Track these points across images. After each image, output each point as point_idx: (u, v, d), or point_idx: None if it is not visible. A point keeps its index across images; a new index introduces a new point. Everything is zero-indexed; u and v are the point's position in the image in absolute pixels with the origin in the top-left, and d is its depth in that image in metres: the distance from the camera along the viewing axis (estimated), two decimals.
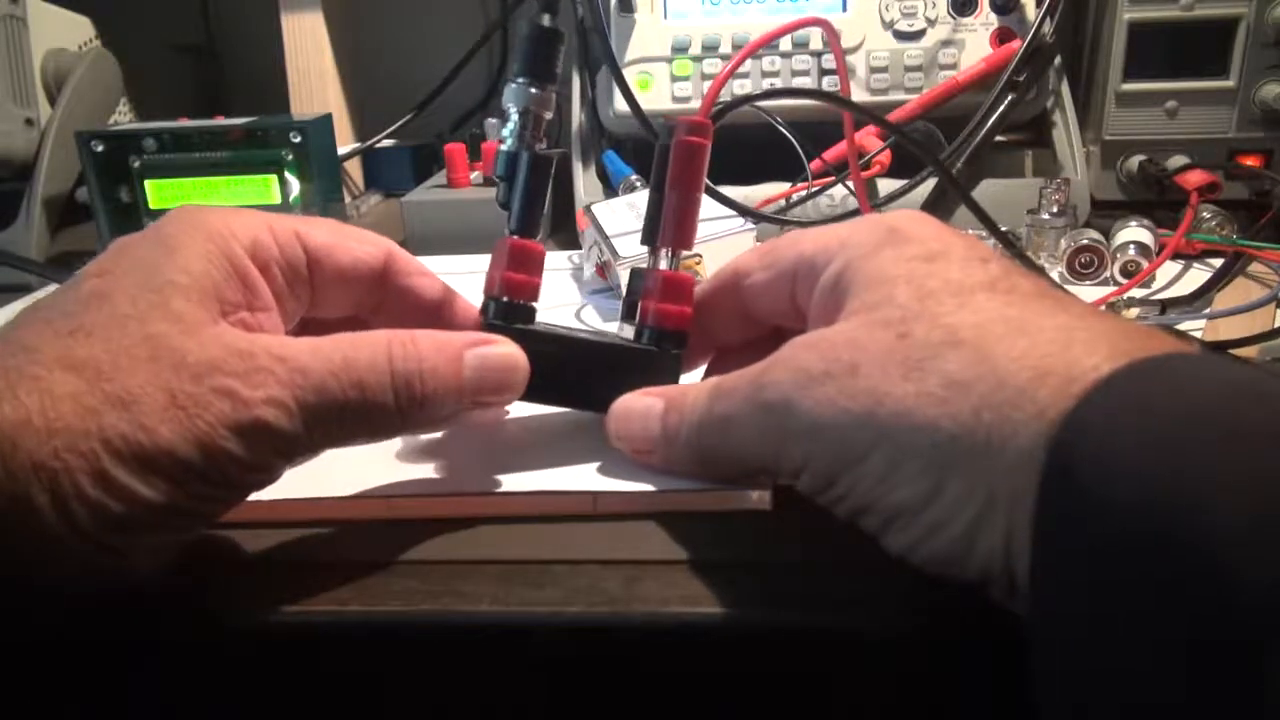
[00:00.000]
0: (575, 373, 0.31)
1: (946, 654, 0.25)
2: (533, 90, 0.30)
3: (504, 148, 0.31)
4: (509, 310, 0.30)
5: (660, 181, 0.32)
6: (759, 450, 0.26)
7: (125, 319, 0.24)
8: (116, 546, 0.23)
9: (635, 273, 0.32)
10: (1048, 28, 0.57)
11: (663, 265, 0.31)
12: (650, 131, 0.42)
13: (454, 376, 0.27)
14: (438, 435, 0.33)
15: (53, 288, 0.27)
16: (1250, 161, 0.59)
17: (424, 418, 0.27)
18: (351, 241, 0.30)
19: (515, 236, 0.31)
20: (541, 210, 0.31)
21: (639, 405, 0.29)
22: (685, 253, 0.32)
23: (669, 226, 0.31)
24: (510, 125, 0.31)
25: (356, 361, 0.25)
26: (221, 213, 0.27)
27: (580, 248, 0.54)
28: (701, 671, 0.26)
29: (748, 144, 0.48)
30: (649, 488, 0.29)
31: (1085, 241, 0.51)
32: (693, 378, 0.32)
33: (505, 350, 0.28)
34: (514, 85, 0.30)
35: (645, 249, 0.32)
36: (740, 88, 0.62)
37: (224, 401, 0.23)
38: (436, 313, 0.31)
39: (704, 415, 0.28)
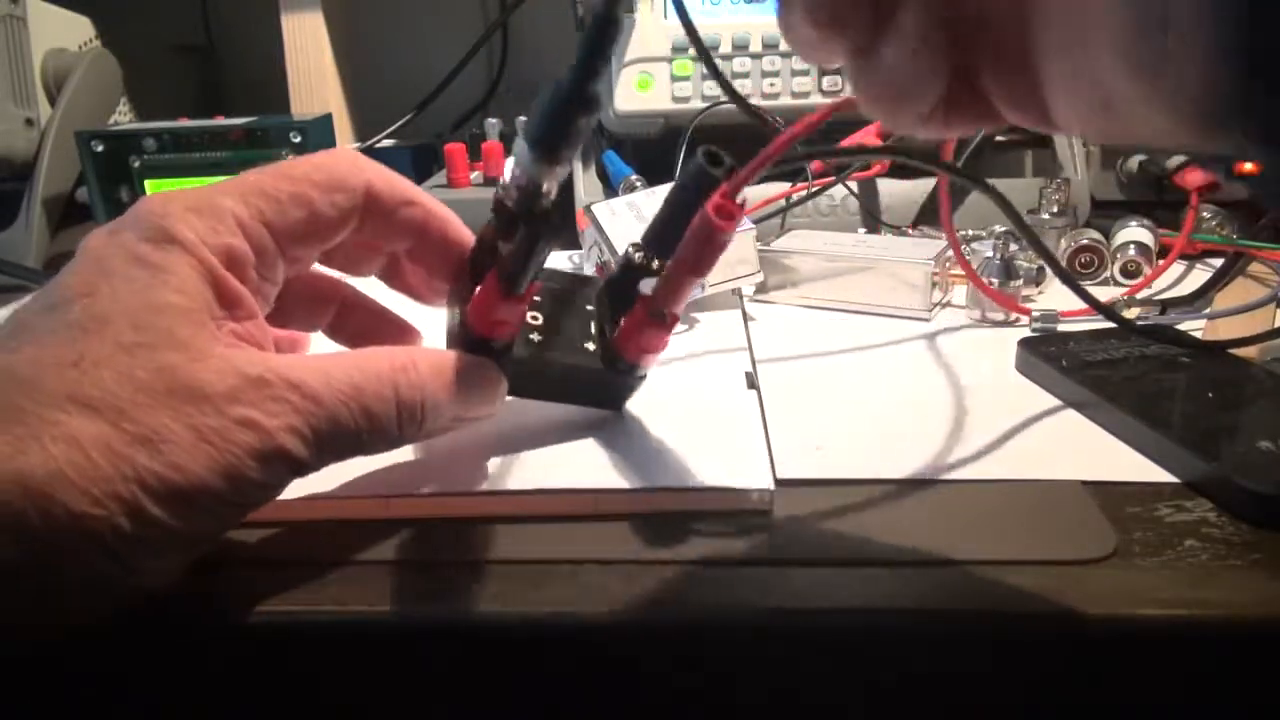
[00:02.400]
0: (546, 386, 0.33)
1: (951, 650, 0.25)
2: (541, 165, 0.26)
3: (505, 199, 0.28)
4: (483, 346, 0.30)
5: (678, 200, 0.30)
6: None
7: (133, 348, 0.23)
8: (148, 570, 0.23)
9: (630, 267, 0.32)
10: None
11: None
12: (759, 117, 0.39)
13: (447, 399, 0.28)
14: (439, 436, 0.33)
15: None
16: (1249, 164, 0.59)
17: (417, 438, 0.28)
18: (322, 206, 0.28)
19: (508, 289, 0.29)
20: (534, 273, 0.29)
21: None
22: None
23: (664, 289, 0.31)
24: (512, 180, 0.28)
25: (364, 390, 0.26)
26: (187, 221, 0.25)
27: (580, 248, 0.54)
28: (701, 672, 0.26)
29: (748, 144, 0.48)
30: (649, 488, 0.29)
31: (1085, 241, 0.51)
32: None
33: (488, 373, 0.30)
34: (524, 148, 0.26)
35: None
36: (740, 87, 0.62)
37: (248, 433, 0.23)
38: (424, 237, 0.31)
39: None
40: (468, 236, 0.32)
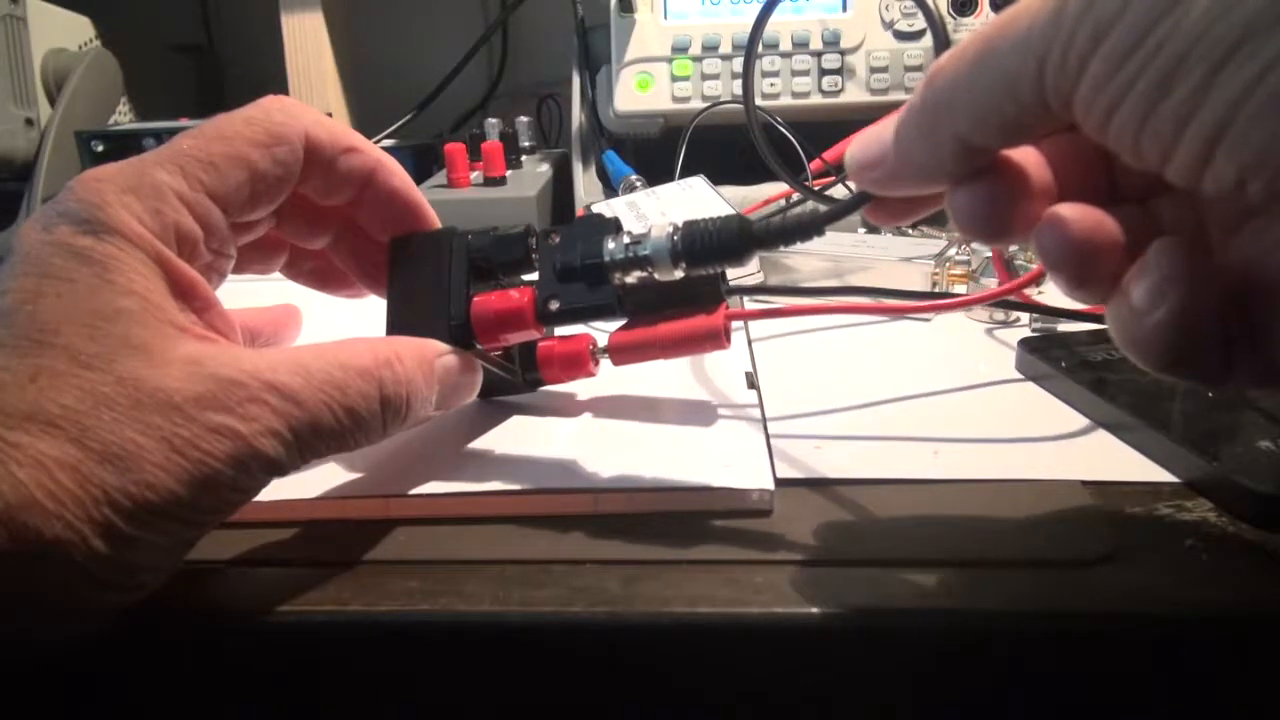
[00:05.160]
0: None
1: (951, 651, 0.25)
2: (670, 263, 0.29)
3: (603, 255, 0.29)
4: (468, 343, 0.30)
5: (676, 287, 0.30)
6: (1033, 48, 0.19)
7: (91, 359, 0.22)
8: (127, 586, 0.23)
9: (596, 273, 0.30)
10: None
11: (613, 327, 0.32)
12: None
13: (429, 389, 0.28)
14: (439, 435, 0.34)
15: None
16: None
17: (400, 430, 0.27)
18: (263, 164, 0.27)
19: (540, 325, 0.30)
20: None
21: (873, 127, 0.24)
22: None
23: (623, 351, 0.32)
24: (625, 250, 0.29)
25: (347, 388, 0.25)
26: (126, 205, 0.24)
27: None
28: (701, 672, 0.26)
29: (748, 144, 0.48)
30: (649, 488, 0.29)
31: None
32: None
33: (471, 365, 0.30)
34: (665, 236, 0.29)
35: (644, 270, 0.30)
36: (739, 88, 0.62)
37: (222, 441, 0.22)
38: (368, 186, 0.30)
39: (942, 61, 0.21)
40: (410, 184, 0.32)
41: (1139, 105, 0.18)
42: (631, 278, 0.30)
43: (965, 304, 0.37)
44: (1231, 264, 0.20)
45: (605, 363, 0.33)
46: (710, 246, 0.28)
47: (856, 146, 0.23)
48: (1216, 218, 0.22)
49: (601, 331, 0.33)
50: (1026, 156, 0.22)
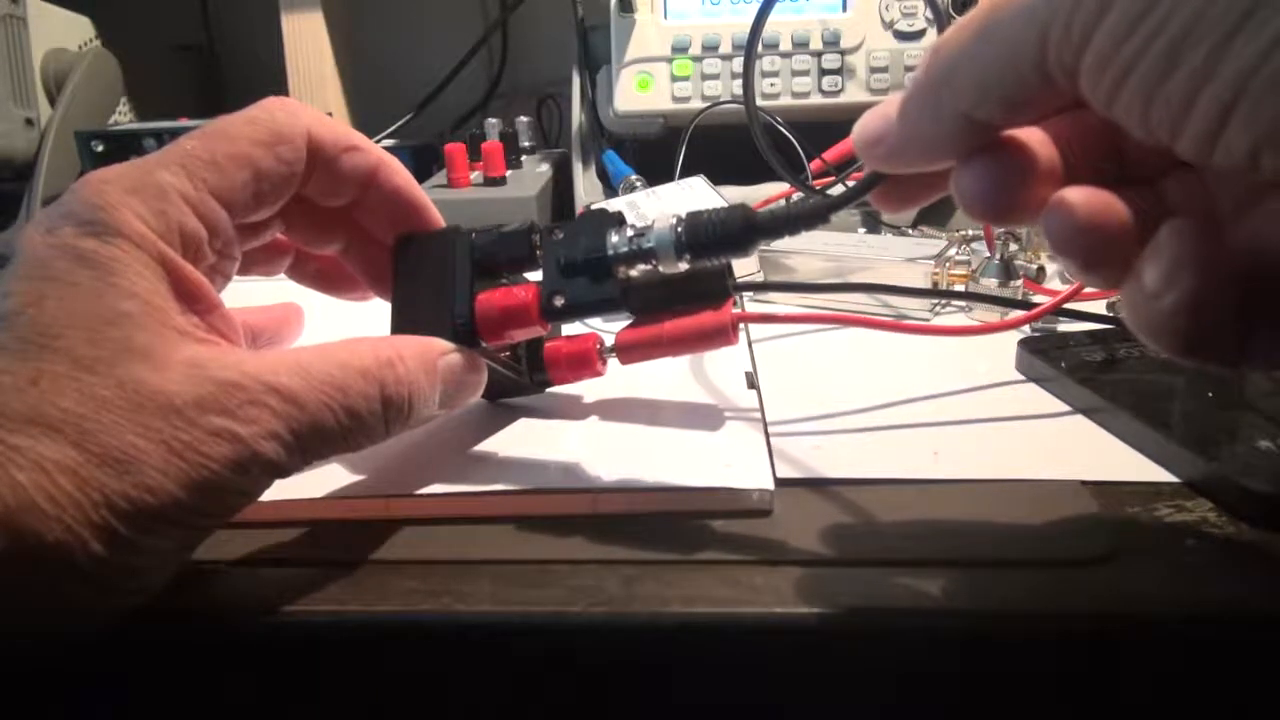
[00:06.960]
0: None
1: (950, 651, 0.25)
2: (674, 255, 0.29)
3: (607, 249, 0.29)
4: (471, 340, 0.30)
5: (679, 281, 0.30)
6: (1036, 17, 0.19)
7: (92, 362, 0.22)
8: (127, 590, 0.23)
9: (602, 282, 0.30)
10: None
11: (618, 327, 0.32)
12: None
13: (432, 389, 0.27)
14: (442, 437, 0.34)
15: None
16: None
17: (404, 429, 0.27)
18: (266, 162, 0.27)
19: (545, 321, 0.30)
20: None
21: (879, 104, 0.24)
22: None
23: (630, 350, 0.32)
24: (629, 243, 0.29)
25: (348, 389, 0.25)
26: (130, 206, 0.24)
27: None
28: (701, 672, 0.26)
29: (747, 144, 0.48)
30: (649, 487, 0.29)
31: None
32: None
33: (475, 364, 0.30)
34: (669, 228, 0.29)
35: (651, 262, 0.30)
36: (739, 88, 0.62)
37: (222, 444, 0.22)
38: (371, 186, 0.31)
39: (947, 34, 0.21)
40: (413, 183, 0.32)
41: (1148, 76, 0.17)
42: (636, 271, 0.30)
43: (978, 331, 0.37)
44: (1243, 243, 0.20)
45: (613, 363, 0.33)
46: (714, 236, 0.28)
47: (862, 123, 0.23)
48: (1227, 196, 0.22)
49: (609, 332, 0.33)
50: (1031, 136, 0.22)
